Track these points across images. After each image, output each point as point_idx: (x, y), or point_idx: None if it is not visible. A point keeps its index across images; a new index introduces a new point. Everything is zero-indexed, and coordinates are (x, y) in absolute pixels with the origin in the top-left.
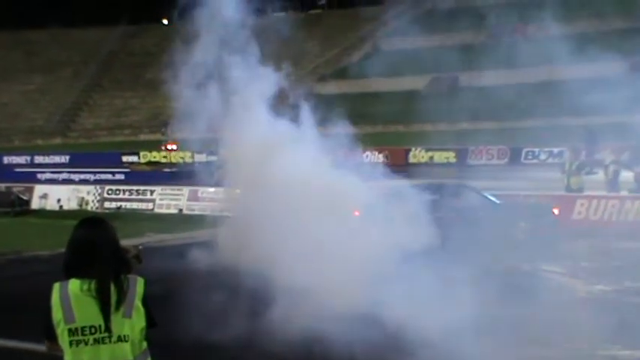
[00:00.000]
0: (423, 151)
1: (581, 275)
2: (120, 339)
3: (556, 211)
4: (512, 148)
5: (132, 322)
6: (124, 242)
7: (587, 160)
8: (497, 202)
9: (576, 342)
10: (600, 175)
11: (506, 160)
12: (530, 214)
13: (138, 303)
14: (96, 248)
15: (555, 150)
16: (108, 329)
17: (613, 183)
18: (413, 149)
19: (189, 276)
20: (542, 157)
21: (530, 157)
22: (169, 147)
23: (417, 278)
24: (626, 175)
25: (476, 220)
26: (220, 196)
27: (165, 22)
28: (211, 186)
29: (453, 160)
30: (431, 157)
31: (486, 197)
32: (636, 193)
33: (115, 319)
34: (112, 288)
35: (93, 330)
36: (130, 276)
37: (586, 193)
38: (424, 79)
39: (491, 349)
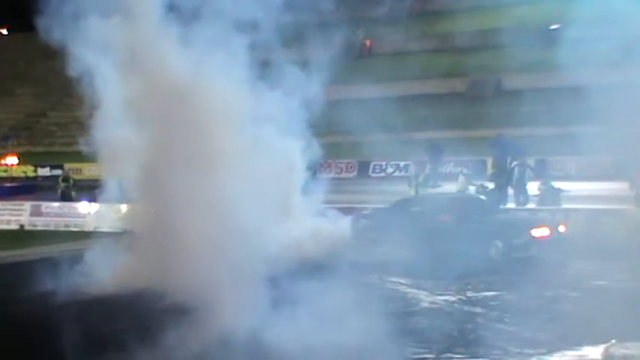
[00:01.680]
0: None
1: (427, 286)
2: None
3: (562, 228)
4: (360, 161)
5: None
6: None
7: (431, 173)
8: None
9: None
10: (453, 188)
11: (354, 173)
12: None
13: None
14: None
15: (402, 163)
16: None
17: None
18: None
19: None
20: (390, 170)
21: (377, 170)
22: (8, 161)
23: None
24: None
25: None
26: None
27: (4, 31)
28: (56, 200)
29: None
30: None
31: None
32: None
33: None
34: None
35: None
36: None
37: None
38: None
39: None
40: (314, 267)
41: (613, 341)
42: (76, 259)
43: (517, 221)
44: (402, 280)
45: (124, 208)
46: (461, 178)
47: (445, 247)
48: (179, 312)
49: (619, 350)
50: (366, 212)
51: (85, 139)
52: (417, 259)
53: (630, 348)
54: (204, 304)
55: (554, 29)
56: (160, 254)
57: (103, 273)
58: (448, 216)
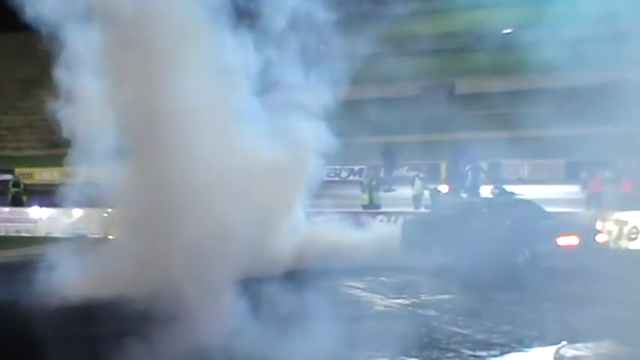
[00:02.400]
0: None
1: (381, 290)
2: None
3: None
4: None
5: None
6: None
7: (385, 177)
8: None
9: (373, 354)
10: (406, 192)
11: None
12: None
13: None
14: None
15: (356, 168)
16: None
17: (417, 199)
18: None
19: None
20: (344, 174)
21: (332, 174)
22: None
23: None
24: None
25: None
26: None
27: None
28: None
29: None
30: None
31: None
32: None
33: None
34: None
35: None
36: None
37: (384, 209)
38: None
39: None
40: (286, 273)
41: (564, 342)
42: (34, 265)
43: (544, 229)
44: (358, 285)
45: (77, 212)
46: (417, 182)
47: (472, 253)
48: (150, 319)
49: (569, 351)
50: (411, 217)
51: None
52: (440, 265)
53: (580, 349)
54: (178, 311)
55: (506, 34)
56: (133, 260)
57: (66, 280)
58: (479, 221)
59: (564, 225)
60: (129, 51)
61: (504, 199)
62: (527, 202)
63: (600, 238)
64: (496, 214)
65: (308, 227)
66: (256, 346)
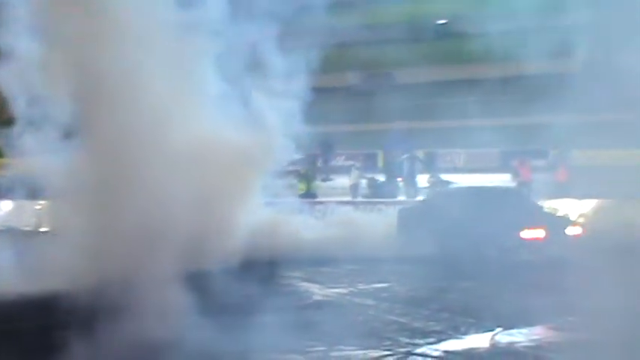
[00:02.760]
0: None
1: (320, 280)
2: None
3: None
4: None
5: None
6: None
7: (322, 167)
8: None
9: (311, 343)
10: (345, 181)
11: None
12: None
13: None
14: None
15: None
16: None
17: (354, 188)
18: None
19: None
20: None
21: None
22: None
23: None
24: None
25: None
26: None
27: None
28: None
29: None
30: None
31: None
32: (370, 198)
33: None
34: None
35: None
36: None
37: (320, 198)
38: None
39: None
40: (236, 264)
41: (499, 329)
42: None
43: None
44: (296, 274)
45: (7, 205)
46: (354, 172)
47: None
48: (91, 313)
49: (505, 338)
50: (407, 206)
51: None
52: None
53: (515, 335)
54: (121, 305)
55: (441, 24)
56: (73, 252)
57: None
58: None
59: (531, 218)
60: (69, 7)
61: (494, 189)
62: (514, 192)
63: (571, 231)
64: (471, 205)
65: (267, 216)
66: (193, 339)
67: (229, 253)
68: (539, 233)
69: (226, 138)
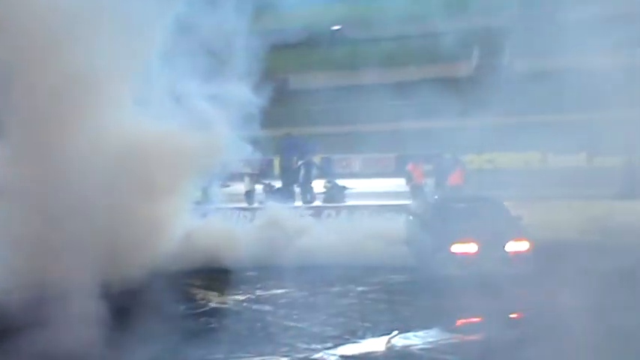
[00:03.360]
0: None
1: (217, 286)
2: None
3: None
4: None
5: None
6: None
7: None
8: None
9: (208, 351)
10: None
11: None
12: None
13: None
14: None
15: None
16: None
17: (249, 195)
18: None
19: None
20: None
21: None
22: None
23: None
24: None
25: None
26: None
27: None
28: None
29: None
30: None
31: None
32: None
33: None
34: None
35: None
36: None
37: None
38: None
39: None
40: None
41: (395, 332)
42: None
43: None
44: (193, 282)
45: None
46: (246, 179)
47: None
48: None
49: (400, 341)
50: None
51: None
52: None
53: (411, 338)
54: (32, 316)
55: (336, 30)
56: None
57: None
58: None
59: (462, 231)
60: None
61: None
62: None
63: (511, 248)
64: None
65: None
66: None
67: (144, 263)
68: (471, 248)
69: (155, 139)
